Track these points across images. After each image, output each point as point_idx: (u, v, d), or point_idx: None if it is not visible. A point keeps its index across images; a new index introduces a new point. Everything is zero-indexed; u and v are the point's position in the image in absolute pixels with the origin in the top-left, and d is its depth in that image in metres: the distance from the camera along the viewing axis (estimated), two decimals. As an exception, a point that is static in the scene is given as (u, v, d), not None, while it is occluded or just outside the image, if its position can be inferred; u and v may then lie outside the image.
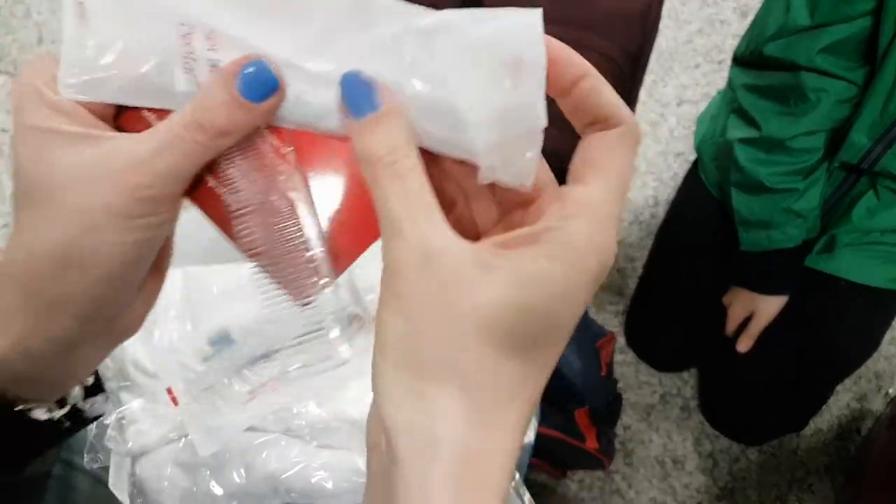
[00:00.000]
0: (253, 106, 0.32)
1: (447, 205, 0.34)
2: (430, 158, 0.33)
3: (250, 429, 0.67)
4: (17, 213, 0.34)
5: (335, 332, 0.68)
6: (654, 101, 1.77)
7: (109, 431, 0.66)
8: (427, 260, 0.30)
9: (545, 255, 0.30)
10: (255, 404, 0.66)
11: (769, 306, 1.22)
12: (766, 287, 1.21)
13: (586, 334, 1.31)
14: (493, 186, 0.34)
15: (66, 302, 0.34)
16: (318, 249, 0.36)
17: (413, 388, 0.30)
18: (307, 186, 0.36)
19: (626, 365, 1.54)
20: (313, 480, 0.66)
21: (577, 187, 0.32)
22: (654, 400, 1.51)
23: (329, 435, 0.68)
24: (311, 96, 0.33)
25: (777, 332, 1.24)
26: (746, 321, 1.27)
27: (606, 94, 0.33)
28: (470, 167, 0.33)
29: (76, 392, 0.41)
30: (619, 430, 1.48)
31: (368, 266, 0.69)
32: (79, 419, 0.41)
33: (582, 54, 1.02)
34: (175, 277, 0.70)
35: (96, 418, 0.42)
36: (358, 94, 0.32)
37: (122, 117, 0.35)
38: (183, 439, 0.67)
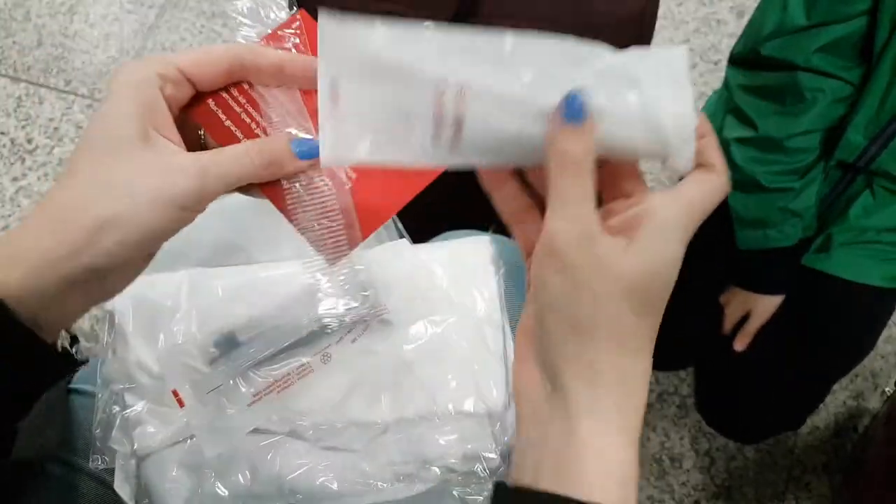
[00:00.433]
0: (296, 160, 0.48)
1: None
2: None
3: (255, 430, 0.67)
4: (82, 161, 0.44)
5: (341, 333, 0.68)
6: (651, 102, 1.77)
7: (114, 433, 0.66)
8: (589, 240, 0.39)
9: (658, 235, 0.40)
10: (260, 406, 0.66)
11: (766, 305, 1.23)
12: (762, 286, 1.21)
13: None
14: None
15: (89, 253, 0.43)
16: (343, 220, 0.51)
17: (577, 334, 0.40)
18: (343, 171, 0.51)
19: (623, 364, 1.54)
20: (318, 482, 0.66)
21: (675, 189, 0.42)
22: (651, 398, 1.52)
23: (334, 437, 0.68)
24: (536, 129, 0.41)
25: (774, 331, 1.25)
26: (743, 320, 1.27)
27: (716, 148, 0.44)
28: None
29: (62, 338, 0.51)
30: (616, 429, 1.48)
31: (372, 269, 0.69)
32: (69, 361, 0.51)
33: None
34: (180, 280, 0.70)
35: (84, 362, 0.53)
36: (575, 104, 0.40)
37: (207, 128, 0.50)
38: (188, 441, 0.67)
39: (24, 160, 1.73)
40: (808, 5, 0.93)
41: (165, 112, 0.47)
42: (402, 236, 0.77)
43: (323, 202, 0.50)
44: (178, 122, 0.48)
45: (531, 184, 0.46)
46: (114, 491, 0.68)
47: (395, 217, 0.76)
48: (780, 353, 1.26)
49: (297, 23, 0.52)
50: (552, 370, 0.40)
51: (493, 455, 0.68)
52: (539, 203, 0.45)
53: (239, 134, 0.50)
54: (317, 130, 0.47)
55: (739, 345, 1.28)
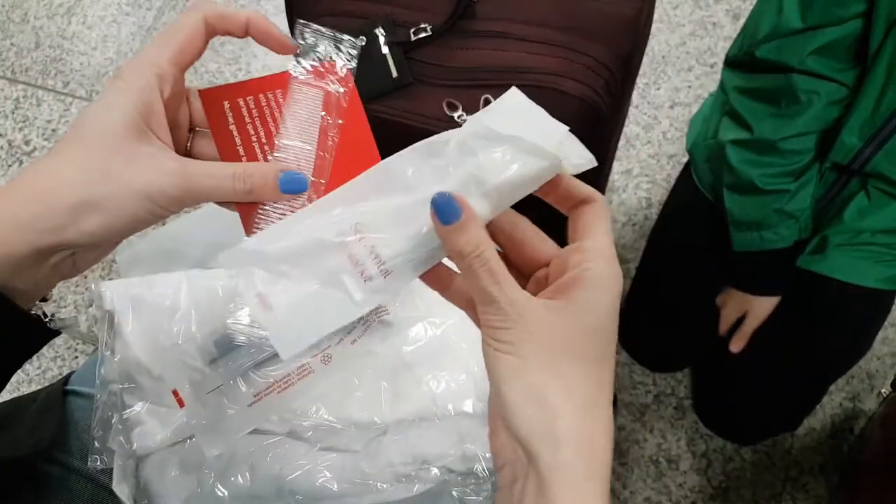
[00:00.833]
0: (278, 193, 0.49)
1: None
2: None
3: (255, 431, 0.67)
4: (72, 145, 0.46)
5: (341, 334, 0.69)
6: (647, 104, 1.78)
7: (113, 433, 0.66)
8: (520, 315, 0.43)
9: (592, 289, 0.44)
10: (260, 406, 0.66)
11: (762, 307, 1.23)
12: (758, 287, 1.22)
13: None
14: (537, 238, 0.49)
15: (71, 230, 0.45)
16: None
17: (534, 401, 0.42)
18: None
19: (619, 365, 1.54)
20: (318, 483, 0.67)
21: (587, 241, 0.46)
22: (648, 400, 1.52)
23: (334, 437, 0.68)
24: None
25: (770, 333, 1.25)
26: (739, 321, 1.28)
27: (579, 183, 0.48)
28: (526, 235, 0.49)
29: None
30: (613, 430, 1.48)
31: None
32: (46, 329, 0.51)
33: (574, 58, 1.03)
34: (179, 280, 0.70)
35: (58, 332, 0.53)
36: (446, 207, 0.44)
37: (217, 138, 0.51)
38: (188, 441, 0.67)
39: (21, 162, 1.73)
40: (804, 8, 0.94)
41: (161, 115, 0.48)
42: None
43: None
44: (169, 124, 0.50)
45: None
46: (109, 491, 0.68)
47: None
48: (776, 355, 1.27)
49: (349, 86, 0.54)
50: (520, 440, 0.42)
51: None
52: None
53: (238, 141, 0.51)
54: (319, 176, 0.51)
55: (736, 346, 1.28)
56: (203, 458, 0.66)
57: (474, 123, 0.46)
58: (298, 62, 0.53)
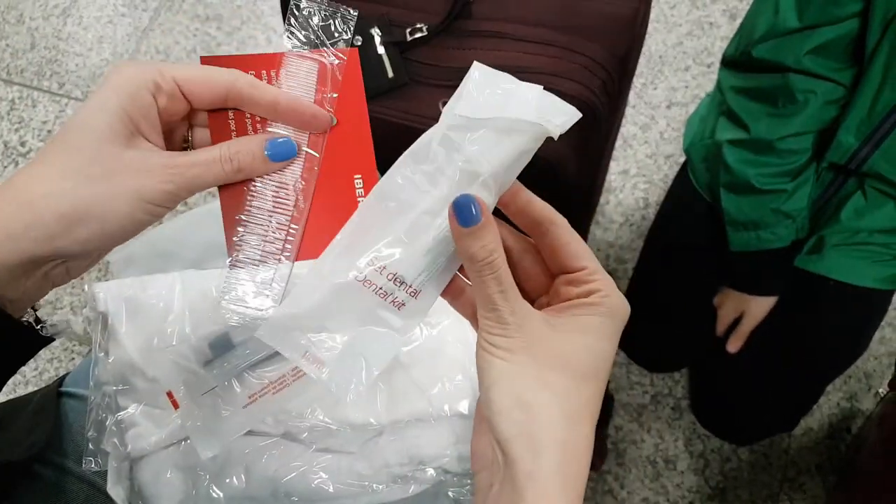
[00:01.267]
0: (269, 163, 0.49)
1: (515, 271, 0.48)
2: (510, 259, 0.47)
3: (250, 433, 0.67)
4: (61, 150, 0.45)
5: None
6: (644, 104, 1.78)
7: (107, 435, 0.66)
8: (520, 325, 0.44)
9: (604, 315, 0.45)
10: (255, 407, 0.66)
11: (759, 307, 1.23)
12: (755, 288, 1.22)
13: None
14: (545, 265, 0.49)
15: (64, 239, 0.44)
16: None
17: (520, 406, 0.43)
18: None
19: (617, 366, 1.54)
20: (314, 484, 0.66)
21: (591, 264, 0.47)
22: (646, 400, 1.52)
23: (329, 438, 0.68)
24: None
25: (767, 333, 1.25)
26: (737, 322, 1.28)
27: (538, 201, 0.48)
28: (535, 260, 0.50)
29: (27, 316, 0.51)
30: (610, 430, 1.48)
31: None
32: (38, 337, 0.51)
33: (571, 58, 1.03)
34: (173, 281, 0.70)
35: (51, 339, 0.53)
36: (466, 210, 0.44)
37: (211, 116, 0.50)
38: (182, 443, 0.67)
39: (17, 163, 1.73)
40: (800, 7, 0.94)
41: (154, 118, 0.47)
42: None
43: (270, 222, 0.50)
44: (165, 132, 0.49)
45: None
46: (104, 493, 0.67)
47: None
48: (773, 355, 1.27)
49: (344, 59, 0.53)
50: (501, 443, 0.43)
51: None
52: None
53: (230, 114, 0.50)
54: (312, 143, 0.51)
55: (733, 346, 1.28)
56: (198, 459, 0.66)
57: (449, 115, 0.46)
58: (292, 33, 0.52)
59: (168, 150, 0.49)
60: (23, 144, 1.75)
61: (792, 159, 1.04)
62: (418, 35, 0.99)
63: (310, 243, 0.50)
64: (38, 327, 0.52)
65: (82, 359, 1.51)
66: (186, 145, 0.51)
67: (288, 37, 0.52)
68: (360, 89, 0.52)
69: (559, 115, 0.47)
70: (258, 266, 0.49)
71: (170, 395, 0.66)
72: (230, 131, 0.50)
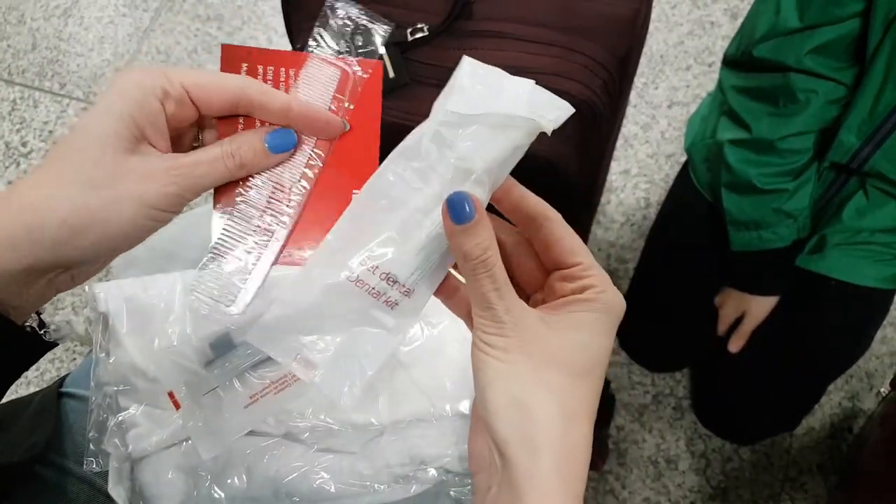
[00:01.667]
0: (270, 156, 0.48)
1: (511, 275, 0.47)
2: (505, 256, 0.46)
3: (251, 433, 0.67)
4: (64, 156, 0.44)
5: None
6: (645, 104, 1.78)
7: (108, 436, 0.66)
8: (515, 324, 0.43)
9: (599, 312, 0.45)
10: (256, 408, 0.66)
11: (760, 306, 1.23)
12: (757, 287, 1.22)
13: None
14: (539, 260, 0.49)
15: (67, 247, 0.44)
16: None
17: (517, 407, 0.42)
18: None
19: (618, 366, 1.54)
20: (315, 484, 0.66)
21: (586, 260, 0.46)
22: (647, 400, 1.52)
23: (331, 438, 0.68)
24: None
25: (768, 332, 1.25)
26: (738, 321, 1.28)
27: (531, 196, 0.48)
28: (529, 255, 0.49)
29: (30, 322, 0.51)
30: (612, 430, 1.48)
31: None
32: (41, 343, 0.51)
33: (572, 58, 1.03)
34: (173, 281, 0.70)
35: (54, 344, 0.53)
36: (460, 207, 0.43)
37: (220, 121, 0.49)
38: (184, 444, 0.67)
39: (19, 164, 1.73)
40: (801, 7, 0.93)
41: (162, 124, 0.46)
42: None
43: (259, 220, 0.50)
44: (174, 137, 0.48)
45: None
46: (105, 494, 0.67)
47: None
48: (775, 355, 1.27)
49: (369, 73, 0.52)
50: (498, 444, 0.42)
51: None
52: None
53: None
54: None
55: (734, 346, 1.28)
56: (199, 460, 0.66)
57: (440, 111, 0.45)
58: (321, 37, 0.51)
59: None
60: (24, 145, 1.75)
61: (793, 159, 1.04)
62: (419, 35, 0.99)
63: (291, 249, 0.50)
64: (42, 332, 0.52)
65: (83, 359, 1.51)
66: (197, 144, 0.51)
67: (315, 39, 0.51)
68: (378, 105, 0.51)
69: (552, 110, 0.46)
70: (237, 261, 0.49)
71: (171, 395, 0.66)
72: (237, 122, 0.49)
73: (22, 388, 1.54)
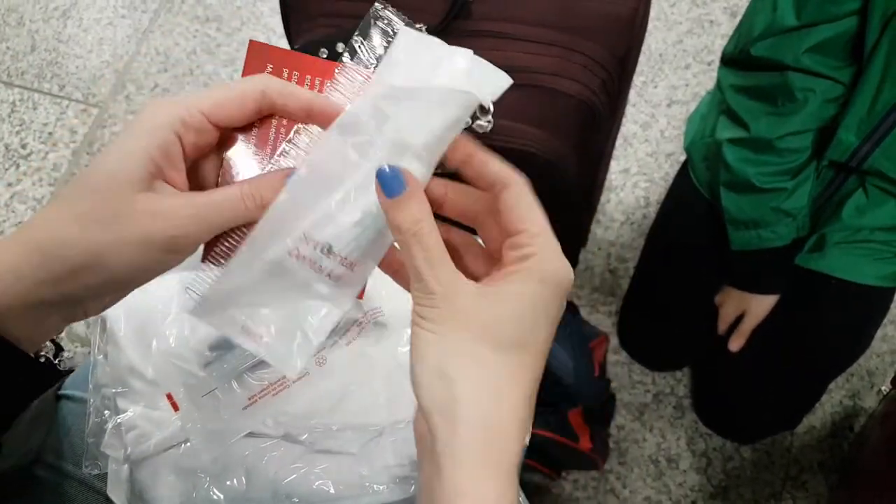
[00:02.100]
0: None
1: (457, 259, 0.47)
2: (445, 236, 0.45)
3: (250, 434, 0.67)
4: (76, 194, 0.44)
5: (336, 336, 0.68)
6: (645, 102, 1.78)
7: (107, 438, 0.66)
8: (445, 296, 0.43)
9: (519, 281, 0.44)
10: (255, 409, 0.66)
11: (760, 305, 1.23)
12: (756, 286, 1.22)
13: (579, 335, 1.31)
14: (490, 258, 0.49)
15: (70, 285, 0.43)
16: None
17: (441, 379, 0.42)
18: None
19: (619, 365, 1.54)
20: (314, 485, 0.66)
21: (532, 227, 0.45)
22: (648, 399, 1.52)
23: (330, 439, 0.68)
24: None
25: (769, 331, 1.25)
26: (738, 320, 1.28)
27: (493, 162, 0.47)
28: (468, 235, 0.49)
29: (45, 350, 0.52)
30: (612, 429, 1.48)
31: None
32: (53, 371, 0.52)
33: (570, 58, 1.03)
34: (171, 283, 0.70)
35: (69, 371, 0.55)
36: (391, 181, 0.44)
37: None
38: (182, 445, 0.67)
39: (18, 165, 1.73)
40: (798, 5, 0.93)
41: (178, 158, 0.46)
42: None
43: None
44: (195, 167, 0.48)
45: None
46: (104, 496, 0.67)
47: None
48: (775, 353, 1.27)
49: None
50: (424, 415, 0.43)
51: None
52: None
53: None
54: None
55: (735, 345, 1.28)
56: (198, 462, 0.66)
57: (379, 83, 0.46)
58: (360, 46, 0.49)
59: (199, 181, 0.48)
60: (24, 147, 1.75)
61: (792, 158, 1.04)
62: (417, 35, 0.99)
63: None
64: (57, 361, 0.51)
65: (84, 359, 1.51)
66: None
67: (355, 47, 0.50)
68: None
69: (491, 83, 0.46)
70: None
71: (169, 397, 0.66)
72: (251, 128, 0.49)
73: (22, 389, 1.54)
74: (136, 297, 0.67)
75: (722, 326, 1.30)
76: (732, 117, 1.08)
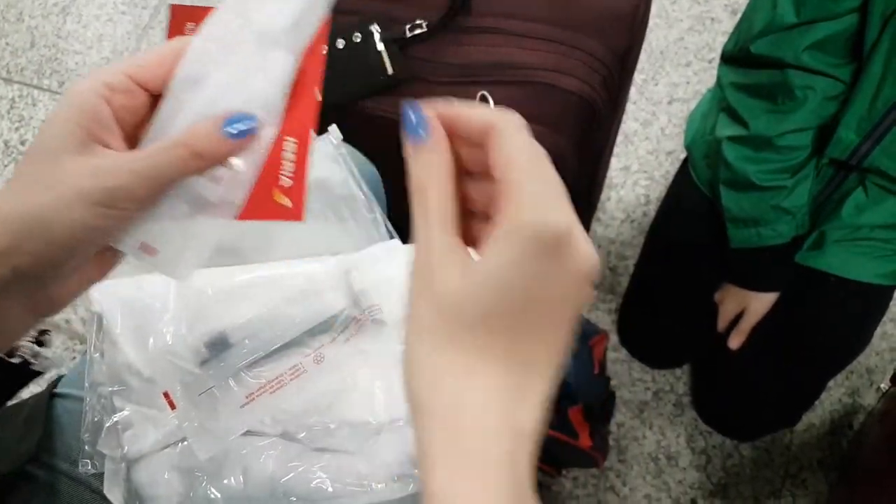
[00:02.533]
0: (228, 143, 0.46)
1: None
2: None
3: (248, 433, 0.67)
4: (21, 172, 0.45)
5: (334, 334, 0.68)
6: (646, 100, 1.77)
7: (103, 437, 0.66)
8: (426, 265, 0.38)
9: (496, 250, 0.36)
10: (253, 407, 0.66)
11: (760, 303, 1.23)
12: (756, 284, 1.22)
13: (579, 333, 1.31)
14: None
15: (16, 254, 0.43)
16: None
17: (411, 368, 0.38)
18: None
19: (619, 362, 1.54)
20: (312, 484, 0.66)
21: (508, 174, 0.38)
22: (647, 397, 1.52)
23: (328, 438, 0.68)
24: None
25: (768, 329, 1.25)
26: (738, 318, 1.28)
27: (471, 112, 0.41)
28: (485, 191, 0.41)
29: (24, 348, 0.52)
30: (612, 427, 1.48)
31: (365, 269, 0.69)
32: (25, 372, 0.52)
33: (571, 55, 1.03)
34: (168, 281, 0.70)
35: (39, 373, 0.54)
36: (413, 125, 0.40)
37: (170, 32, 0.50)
38: (180, 444, 0.67)
39: (17, 161, 1.73)
40: (798, 3, 0.93)
41: (110, 122, 0.46)
42: (392, 237, 0.77)
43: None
44: (133, 130, 0.48)
45: None
46: (100, 495, 0.67)
47: (385, 218, 0.76)
48: (775, 351, 1.27)
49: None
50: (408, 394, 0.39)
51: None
52: None
53: None
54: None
55: (734, 343, 1.28)
56: (195, 460, 0.66)
57: None
58: None
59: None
60: (23, 143, 1.75)
61: (791, 156, 1.04)
62: (418, 31, 0.99)
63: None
64: (35, 360, 0.51)
65: (80, 358, 1.52)
66: None
67: None
68: (322, 54, 0.51)
69: None
70: None
71: (166, 395, 0.66)
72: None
73: (22, 386, 1.54)
74: (133, 295, 0.68)
75: (721, 324, 1.30)
76: (732, 115, 1.08)
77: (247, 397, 0.66)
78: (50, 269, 0.46)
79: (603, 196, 1.66)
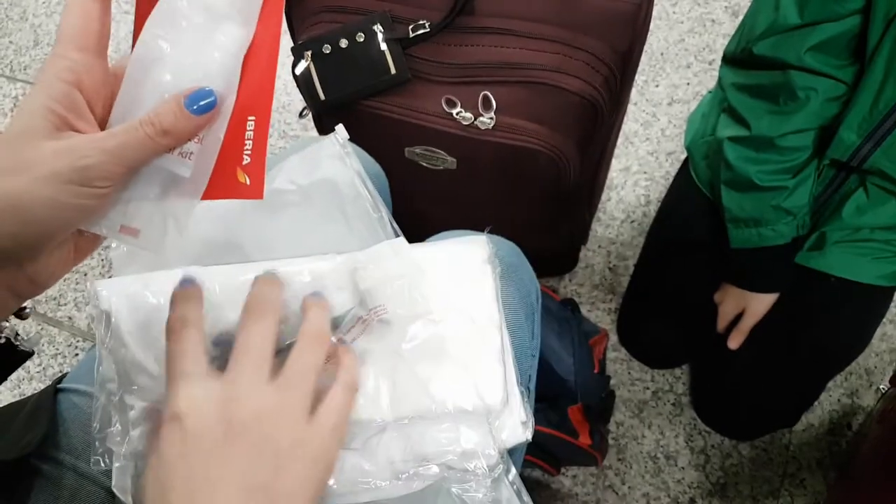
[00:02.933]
0: (193, 118, 0.49)
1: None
2: None
3: (254, 429, 0.67)
4: None
5: (340, 333, 0.68)
6: (646, 101, 1.78)
7: (112, 434, 0.66)
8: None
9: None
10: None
11: (760, 303, 1.23)
12: (756, 284, 1.22)
13: (579, 332, 1.32)
14: None
15: None
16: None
17: None
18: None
19: (618, 362, 1.55)
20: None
21: None
22: (647, 396, 1.52)
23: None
24: None
25: (768, 329, 1.25)
26: (738, 318, 1.28)
27: None
28: None
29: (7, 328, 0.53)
30: (612, 426, 1.49)
31: (370, 268, 0.69)
32: (15, 354, 0.54)
33: (573, 55, 1.04)
34: (175, 278, 0.70)
35: (30, 354, 0.56)
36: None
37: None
38: (187, 440, 0.67)
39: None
40: (801, 4, 0.93)
41: (83, 108, 0.48)
42: (397, 235, 0.77)
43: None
44: (106, 114, 0.50)
45: None
46: (104, 489, 0.68)
47: (390, 217, 0.76)
48: (774, 351, 1.27)
49: None
50: None
51: (491, 452, 0.68)
52: None
53: None
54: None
55: (734, 343, 1.28)
56: (202, 456, 0.66)
57: None
58: None
59: None
60: (25, 141, 1.75)
61: (793, 156, 1.04)
62: (420, 31, 0.99)
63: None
64: (17, 342, 0.52)
65: (85, 354, 1.51)
66: None
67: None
68: (278, 28, 0.52)
69: None
70: None
71: (174, 392, 0.66)
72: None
73: (24, 382, 1.54)
74: (140, 293, 0.68)
75: (721, 324, 1.30)
76: (734, 116, 1.08)
77: (253, 394, 0.66)
78: (27, 250, 0.47)
79: (603, 196, 1.66)
